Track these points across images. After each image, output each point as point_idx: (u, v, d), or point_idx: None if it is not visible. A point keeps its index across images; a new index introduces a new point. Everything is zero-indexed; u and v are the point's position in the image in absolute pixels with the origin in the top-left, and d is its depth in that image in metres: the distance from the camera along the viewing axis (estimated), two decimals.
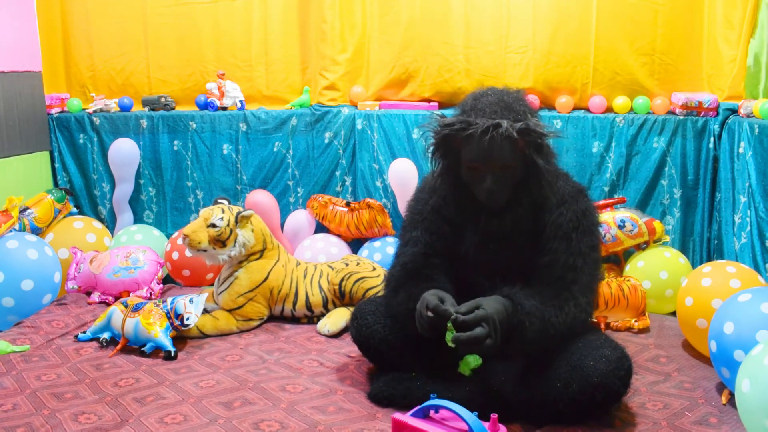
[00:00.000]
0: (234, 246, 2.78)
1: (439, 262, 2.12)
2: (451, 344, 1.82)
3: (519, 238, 2.04)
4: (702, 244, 3.18)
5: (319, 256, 3.28)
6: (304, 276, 2.90)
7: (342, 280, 2.82)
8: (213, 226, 2.73)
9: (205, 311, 2.79)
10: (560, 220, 2.00)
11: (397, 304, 2.10)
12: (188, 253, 2.86)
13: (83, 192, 3.69)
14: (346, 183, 3.56)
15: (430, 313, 1.86)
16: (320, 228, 3.52)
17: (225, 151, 3.58)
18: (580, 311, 1.95)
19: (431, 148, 2.05)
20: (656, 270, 2.91)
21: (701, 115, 3.13)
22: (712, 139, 3.11)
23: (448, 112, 3.16)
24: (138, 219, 3.68)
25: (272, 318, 2.90)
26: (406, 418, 1.77)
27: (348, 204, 3.40)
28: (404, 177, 3.31)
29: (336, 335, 2.72)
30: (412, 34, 3.47)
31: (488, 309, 1.82)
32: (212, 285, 3.20)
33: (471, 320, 1.80)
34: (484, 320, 1.80)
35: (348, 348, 2.56)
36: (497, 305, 1.85)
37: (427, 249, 2.13)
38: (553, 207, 2.02)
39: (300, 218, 3.49)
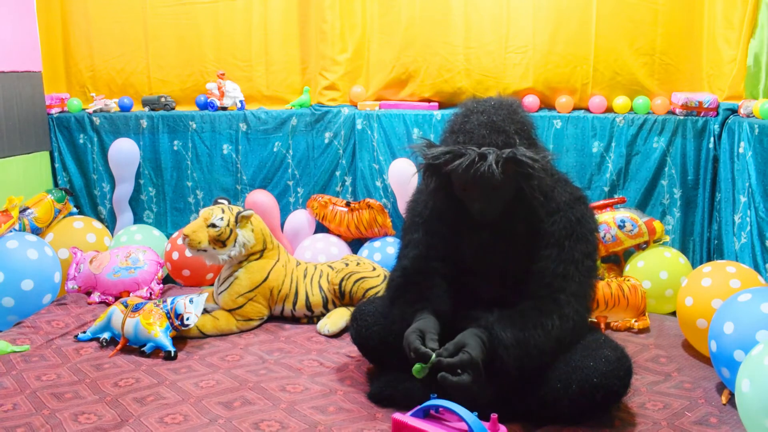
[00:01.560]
0: (234, 246, 2.77)
1: (440, 266, 2.12)
2: (417, 375, 1.83)
3: (514, 246, 2.04)
4: (702, 244, 3.18)
5: (319, 256, 3.28)
6: (304, 276, 2.90)
7: (342, 280, 2.82)
8: (213, 226, 2.73)
9: (205, 311, 2.79)
10: (553, 228, 2.00)
11: (391, 321, 2.10)
12: (188, 253, 2.86)
13: (83, 192, 3.69)
14: (346, 183, 3.56)
15: (413, 354, 1.85)
16: (320, 228, 3.52)
17: (225, 151, 3.58)
18: (566, 320, 1.94)
19: (421, 169, 2.04)
20: (656, 270, 2.91)
21: (701, 115, 3.13)
22: (712, 139, 3.11)
23: (447, 112, 3.16)
24: (138, 219, 3.68)
25: (272, 318, 2.90)
26: (406, 418, 1.77)
27: (348, 204, 3.40)
28: (404, 177, 3.31)
29: (336, 335, 2.72)
30: (412, 34, 3.47)
31: (472, 352, 1.79)
32: (212, 285, 3.20)
33: (456, 364, 1.78)
34: (470, 366, 1.78)
35: (348, 348, 2.56)
36: (479, 343, 1.83)
37: (429, 251, 2.13)
38: (547, 216, 2.01)
39: (300, 218, 3.49)
